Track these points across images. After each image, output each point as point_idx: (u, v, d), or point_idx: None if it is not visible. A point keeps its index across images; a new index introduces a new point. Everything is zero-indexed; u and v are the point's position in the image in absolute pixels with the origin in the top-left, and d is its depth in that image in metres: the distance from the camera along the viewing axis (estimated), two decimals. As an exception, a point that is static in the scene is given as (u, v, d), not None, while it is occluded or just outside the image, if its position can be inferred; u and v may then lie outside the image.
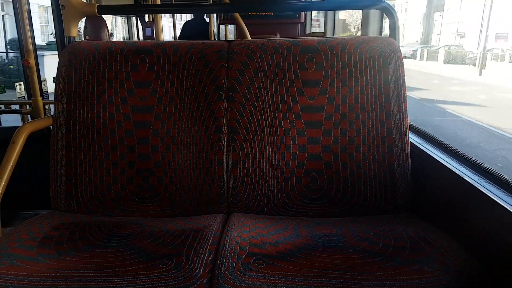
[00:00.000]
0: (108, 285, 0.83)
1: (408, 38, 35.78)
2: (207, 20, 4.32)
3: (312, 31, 5.40)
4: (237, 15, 3.07)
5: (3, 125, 2.80)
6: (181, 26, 4.56)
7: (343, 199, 1.23)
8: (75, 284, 0.84)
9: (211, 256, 0.92)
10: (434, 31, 32.97)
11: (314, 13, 5.83)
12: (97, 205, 1.26)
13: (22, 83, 2.83)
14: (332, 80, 1.24)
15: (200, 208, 1.25)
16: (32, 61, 2.05)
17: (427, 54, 24.93)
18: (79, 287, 0.83)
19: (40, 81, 2.21)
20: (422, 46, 28.82)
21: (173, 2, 4.65)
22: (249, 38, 2.76)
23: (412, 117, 1.23)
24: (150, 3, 3.07)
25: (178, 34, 4.90)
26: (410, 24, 35.95)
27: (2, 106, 2.79)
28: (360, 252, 0.94)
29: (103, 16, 3.27)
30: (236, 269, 0.86)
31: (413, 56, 26.63)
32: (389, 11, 1.28)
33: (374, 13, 1.89)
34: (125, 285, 0.83)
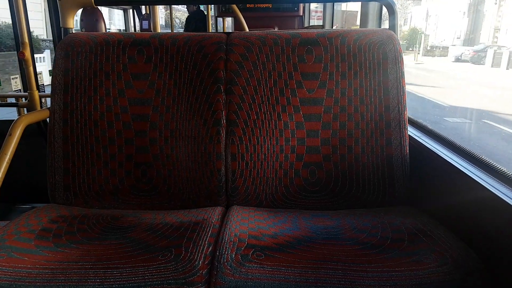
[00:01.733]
0: (107, 277, 0.83)
1: (442, 34, 27.53)
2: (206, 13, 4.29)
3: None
4: (235, 7, 3.05)
5: None
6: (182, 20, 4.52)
7: (341, 192, 1.23)
8: (73, 276, 0.84)
9: (210, 248, 0.92)
10: (484, 24, 24.61)
11: (314, 6, 5.77)
12: (95, 198, 1.26)
13: (18, 76, 2.79)
14: (331, 72, 1.23)
15: (198, 201, 1.25)
16: (28, 54, 2.03)
17: (510, 59, 15.63)
18: (77, 279, 0.83)
19: (36, 74, 2.19)
20: (494, 45, 19.31)
21: None
22: (247, 31, 2.75)
23: None
24: None
25: (174, 25, 4.87)
26: (446, 15, 27.12)
27: None
28: (358, 244, 0.94)
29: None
30: (235, 261, 0.86)
31: (473, 59, 17.71)
32: (389, 4, 1.27)
33: (373, 8, 1.87)
34: (124, 277, 0.83)
